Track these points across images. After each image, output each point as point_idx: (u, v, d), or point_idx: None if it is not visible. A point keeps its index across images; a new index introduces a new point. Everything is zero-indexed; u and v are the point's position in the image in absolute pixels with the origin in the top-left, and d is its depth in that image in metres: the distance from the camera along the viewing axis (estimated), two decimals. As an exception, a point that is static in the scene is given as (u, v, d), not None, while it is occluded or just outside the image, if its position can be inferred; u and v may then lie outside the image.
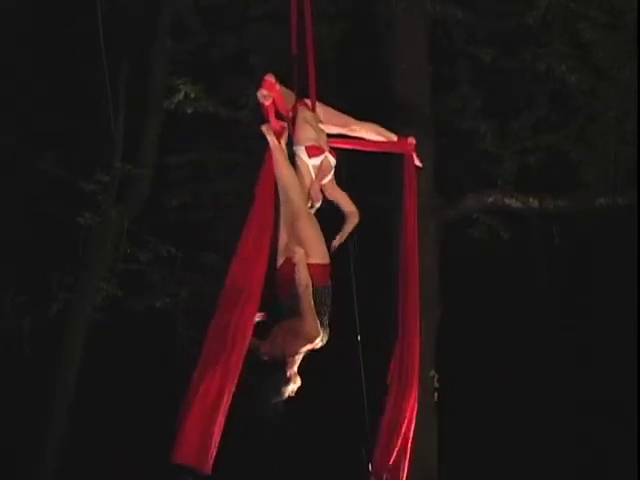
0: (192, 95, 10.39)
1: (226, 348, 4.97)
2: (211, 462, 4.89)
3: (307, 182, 5.55)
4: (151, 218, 11.17)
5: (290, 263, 5.27)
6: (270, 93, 5.34)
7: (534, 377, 12.49)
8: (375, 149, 5.93)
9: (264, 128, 5.46)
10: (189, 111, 10.54)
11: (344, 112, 5.87)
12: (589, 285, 12.50)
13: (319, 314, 5.25)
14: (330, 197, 5.74)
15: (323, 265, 5.35)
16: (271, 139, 5.42)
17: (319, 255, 5.34)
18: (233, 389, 4.95)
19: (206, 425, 4.89)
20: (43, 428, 10.75)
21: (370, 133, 5.88)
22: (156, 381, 11.80)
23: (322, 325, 5.28)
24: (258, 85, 5.34)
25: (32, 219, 11.12)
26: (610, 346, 12.29)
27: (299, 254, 5.25)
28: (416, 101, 9.93)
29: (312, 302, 5.20)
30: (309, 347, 5.23)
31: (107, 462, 11.79)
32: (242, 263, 5.20)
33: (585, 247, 11.92)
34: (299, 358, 5.25)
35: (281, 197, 5.41)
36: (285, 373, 5.19)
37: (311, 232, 5.36)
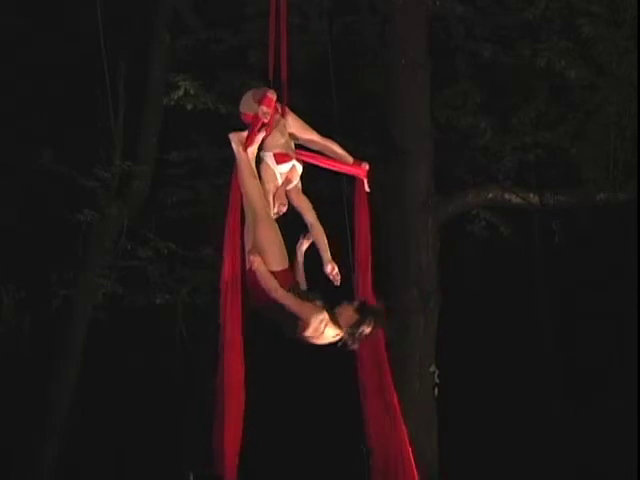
0: (191, 91, 10.38)
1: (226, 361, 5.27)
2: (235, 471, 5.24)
3: (272, 188, 5.60)
4: (151, 215, 11.18)
5: (252, 271, 5.31)
6: (269, 110, 5.41)
7: (534, 372, 12.51)
8: (331, 167, 6.00)
9: (231, 136, 5.51)
10: (189, 107, 10.52)
11: (311, 126, 5.94)
12: (589, 281, 12.51)
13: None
14: (294, 203, 5.78)
15: (283, 270, 5.38)
16: (236, 148, 5.49)
17: (277, 261, 5.36)
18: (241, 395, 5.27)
19: (231, 438, 5.25)
20: (43, 426, 10.75)
21: (329, 151, 5.95)
22: (155, 378, 11.82)
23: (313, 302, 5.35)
24: (259, 99, 5.39)
25: (32, 216, 11.12)
26: (609, 342, 12.30)
27: (257, 261, 5.27)
28: (415, 97, 9.91)
29: (293, 297, 5.24)
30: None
31: (107, 459, 11.81)
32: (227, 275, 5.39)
33: (585, 243, 11.93)
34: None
35: (244, 204, 5.46)
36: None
37: (268, 239, 5.38)
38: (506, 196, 10.02)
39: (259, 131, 5.50)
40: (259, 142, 5.56)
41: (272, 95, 5.43)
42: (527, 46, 10.03)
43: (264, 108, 5.39)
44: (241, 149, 5.48)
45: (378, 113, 10.21)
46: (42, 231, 11.02)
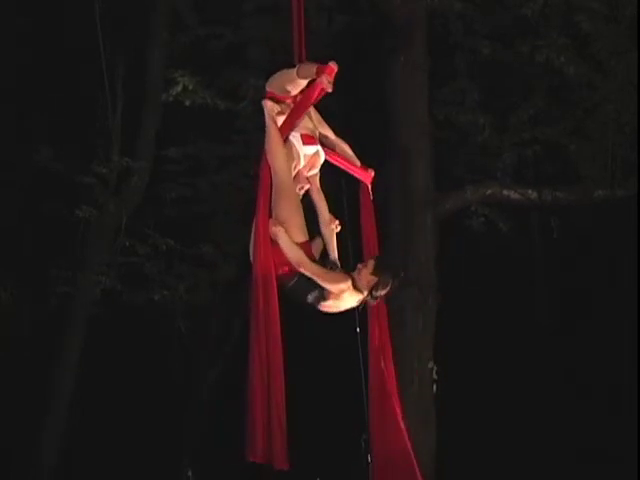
0: (190, 87, 10.39)
1: (262, 340, 5.18)
2: (285, 456, 5.08)
3: (293, 167, 5.60)
4: (149, 211, 11.18)
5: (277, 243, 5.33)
6: (332, 80, 5.33)
7: (532, 369, 12.50)
8: (340, 165, 6.03)
9: (265, 103, 5.51)
10: (187, 103, 10.53)
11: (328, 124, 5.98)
12: (588, 277, 12.52)
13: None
14: (311, 195, 5.82)
15: (303, 243, 5.40)
16: (268, 116, 5.47)
17: (299, 233, 5.39)
18: (282, 381, 5.18)
19: (271, 422, 5.10)
20: (43, 426, 10.74)
21: (340, 150, 5.99)
22: (155, 376, 11.82)
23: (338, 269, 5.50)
24: (321, 71, 5.32)
25: (30, 213, 11.13)
26: (609, 340, 12.30)
27: (280, 232, 5.30)
28: (414, 95, 9.91)
29: (318, 267, 5.32)
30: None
31: (107, 458, 11.81)
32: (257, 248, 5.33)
33: (584, 239, 11.93)
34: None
35: (272, 170, 5.44)
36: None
37: (289, 209, 5.40)
38: (504, 192, 10.03)
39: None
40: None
41: (334, 66, 5.34)
42: (526, 43, 10.02)
43: (329, 77, 5.30)
44: (274, 116, 5.48)
45: (377, 111, 10.20)
46: (40, 228, 11.02)
